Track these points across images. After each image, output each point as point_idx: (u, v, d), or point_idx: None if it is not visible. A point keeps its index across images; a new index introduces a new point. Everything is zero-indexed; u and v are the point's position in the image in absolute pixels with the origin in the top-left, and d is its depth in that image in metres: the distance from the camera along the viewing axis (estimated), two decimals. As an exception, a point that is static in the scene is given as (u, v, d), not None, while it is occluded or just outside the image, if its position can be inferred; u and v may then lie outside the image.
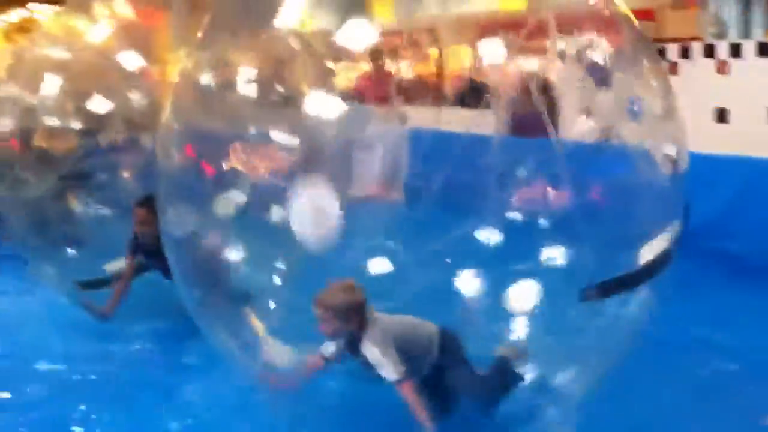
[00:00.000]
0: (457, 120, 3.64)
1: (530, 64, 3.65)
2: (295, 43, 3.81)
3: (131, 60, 5.20)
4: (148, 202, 4.80)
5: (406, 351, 3.40)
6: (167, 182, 3.78)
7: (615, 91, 3.59)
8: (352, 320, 3.38)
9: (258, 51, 3.82)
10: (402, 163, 3.68)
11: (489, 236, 3.61)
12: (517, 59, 3.67)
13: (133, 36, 5.33)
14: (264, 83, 3.67)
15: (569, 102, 3.65)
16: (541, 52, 3.74)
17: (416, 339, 3.51)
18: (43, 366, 4.64)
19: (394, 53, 4.09)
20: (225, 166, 3.60)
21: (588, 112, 3.65)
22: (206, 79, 3.89)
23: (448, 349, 3.53)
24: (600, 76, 3.57)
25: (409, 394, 3.32)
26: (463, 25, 4.23)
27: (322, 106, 3.47)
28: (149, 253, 4.94)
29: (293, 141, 3.55)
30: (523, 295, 3.53)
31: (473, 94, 3.55)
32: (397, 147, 3.69)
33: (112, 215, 5.32)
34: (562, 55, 3.73)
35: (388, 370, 3.32)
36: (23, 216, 5.27)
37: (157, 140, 3.91)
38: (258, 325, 3.70)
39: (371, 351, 3.36)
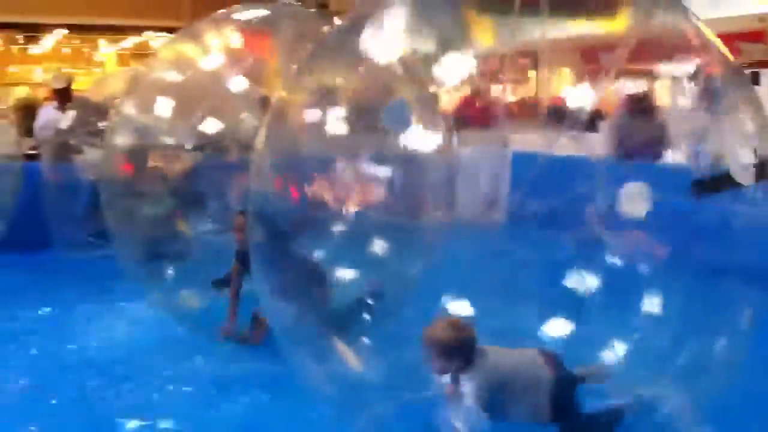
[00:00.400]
0: (560, 143, 3.62)
1: (634, 86, 3.61)
2: (397, 70, 3.86)
3: (242, 84, 5.38)
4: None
5: (506, 391, 3.33)
6: (258, 205, 3.87)
7: (719, 117, 3.52)
8: (457, 358, 3.31)
9: (359, 78, 3.91)
10: (504, 186, 3.69)
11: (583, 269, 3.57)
12: (621, 82, 3.63)
13: (243, 61, 5.52)
14: (365, 110, 3.74)
15: (676, 126, 3.58)
16: (645, 75, 3.69)
17: (520, 380, 3.37)
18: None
19: (495, 77, 4.11)
20: (316, 193, 3.67)
21: (695, 138, 3.58)
22: (305, 105, 3.97)
23: (556, 393, 3.36)
24: (704, 101, 3.51)
25: None
26: (564, 48, 4.21)
27: (426, 133, 3.52)
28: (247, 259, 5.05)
29: (390, 170, 3.58)
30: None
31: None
32: (499, 170, 3.70)
33: (222, 234, 5.46)
34: (666, 79, 3.67)
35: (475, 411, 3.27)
36: (137, 234, 5.46)
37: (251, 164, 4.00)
38: (348, 353, 3.71)
39: (468, 386, 3.30)
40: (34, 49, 21.21)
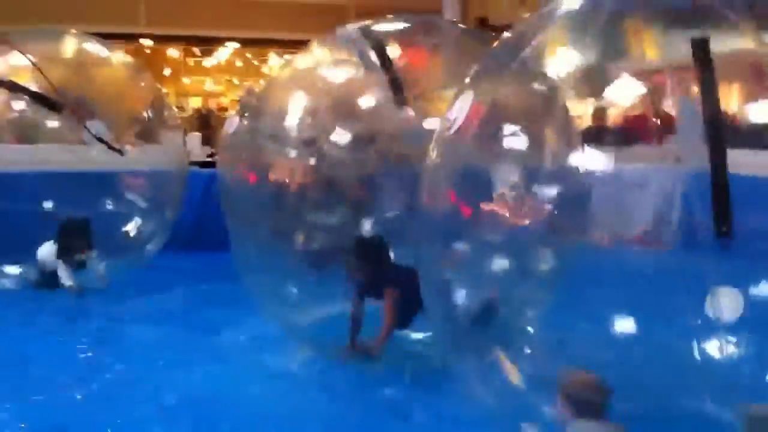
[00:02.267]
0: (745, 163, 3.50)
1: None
2: (562, 85, 3.85)
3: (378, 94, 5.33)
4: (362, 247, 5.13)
5: None
6: (427, 220, 3.94)
7: None
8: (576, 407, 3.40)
9: (521, 94, 3.93)
10: (675, 206, 3.58)
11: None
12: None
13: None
14: (526, 127, 3.74)
15: None
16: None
17: None
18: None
19: (660, 92, 4.02)
20: (485, 209, 3.69)
21: None
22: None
23: None
24: None
25: None
26: (735, 62, 4.07)
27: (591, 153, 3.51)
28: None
29: (554, 189, 3.59)
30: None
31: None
32: (671, 189, 3.60)
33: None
34: None
35: None
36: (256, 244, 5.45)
37: (421, 178, 4.05)
38: (512, 370, 3.74)
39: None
40: (207, 62, 22.56)
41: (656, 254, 3.63)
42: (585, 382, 3.48)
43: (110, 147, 6.86)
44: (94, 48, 7.36)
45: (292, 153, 5.38)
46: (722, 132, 3.27)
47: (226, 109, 20.11)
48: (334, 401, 4.71)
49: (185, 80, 23.20)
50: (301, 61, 6.09)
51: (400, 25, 5.69)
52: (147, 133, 7.43)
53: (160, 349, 5.61)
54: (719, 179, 3.24)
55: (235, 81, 22.21)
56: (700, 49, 3.36)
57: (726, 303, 3.21)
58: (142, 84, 7.74)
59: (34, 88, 6.68)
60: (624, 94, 3.67)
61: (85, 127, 6.76)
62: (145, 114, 7.48)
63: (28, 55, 6.70)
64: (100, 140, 6.81)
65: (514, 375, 3.70)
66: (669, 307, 3.63)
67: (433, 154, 3.98)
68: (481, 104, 3.88)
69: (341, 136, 5.29)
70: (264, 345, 5.62)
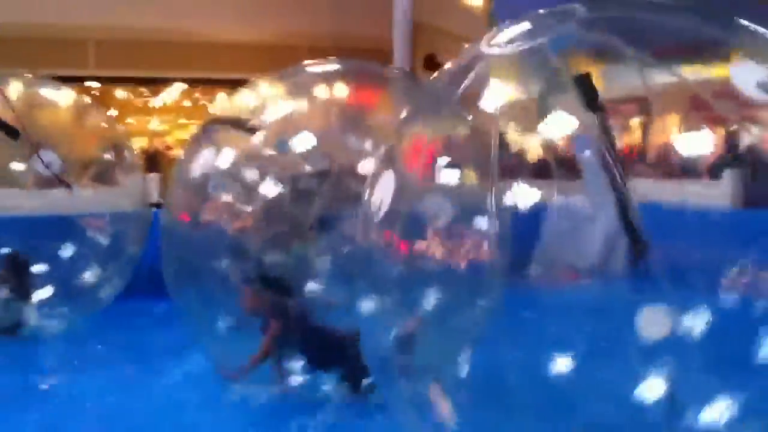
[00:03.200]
0: (678, 192, 3.59)
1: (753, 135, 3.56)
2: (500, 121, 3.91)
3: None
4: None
5: None
6: (362, 259, 3.94)
7: None
8: None
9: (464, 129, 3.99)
10: (620, 236, 3.65)
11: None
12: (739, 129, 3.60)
13: (347, 114, 5.62)
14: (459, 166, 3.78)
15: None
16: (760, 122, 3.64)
17: None
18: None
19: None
20: (419, 248, 3.71)
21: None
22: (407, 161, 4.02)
23: None
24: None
25: None
26: (673, 94, 4.20)
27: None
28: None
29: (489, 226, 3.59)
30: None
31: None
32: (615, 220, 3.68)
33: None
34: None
35: None
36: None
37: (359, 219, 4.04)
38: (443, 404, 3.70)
39: None
40: (154, 102, 22.42)
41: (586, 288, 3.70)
42: None
43: (59, 180, 6.73)
44: (48, 91, 7.27)
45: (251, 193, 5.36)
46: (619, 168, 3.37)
47: (171, 149, 20.05)
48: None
49: (130, 120, 22.99)
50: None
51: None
52: (105, 176, 7.31)
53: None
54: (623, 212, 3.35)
55: (182, 121, 22.12)
56: (584, 84, 3.48)
57: (653, 321, 3.26)
58: (101, 125, 7.66)
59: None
60: (559, 128, 3.77)
61: (38, 155, 6.61)
62: (103, 155, 7.37)
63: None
64: (49, 170, 6.67)
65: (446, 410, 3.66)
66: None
67: (368, 191, 3.97)
68: (417, 142, 3.94)
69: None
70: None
